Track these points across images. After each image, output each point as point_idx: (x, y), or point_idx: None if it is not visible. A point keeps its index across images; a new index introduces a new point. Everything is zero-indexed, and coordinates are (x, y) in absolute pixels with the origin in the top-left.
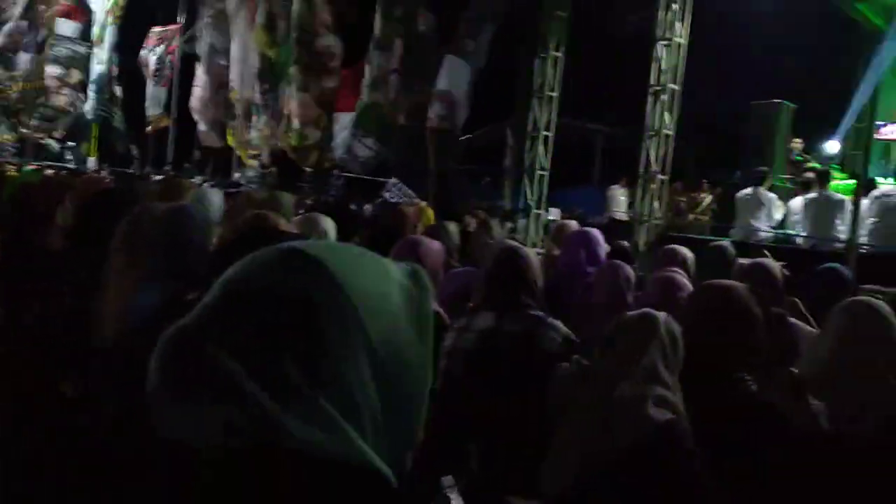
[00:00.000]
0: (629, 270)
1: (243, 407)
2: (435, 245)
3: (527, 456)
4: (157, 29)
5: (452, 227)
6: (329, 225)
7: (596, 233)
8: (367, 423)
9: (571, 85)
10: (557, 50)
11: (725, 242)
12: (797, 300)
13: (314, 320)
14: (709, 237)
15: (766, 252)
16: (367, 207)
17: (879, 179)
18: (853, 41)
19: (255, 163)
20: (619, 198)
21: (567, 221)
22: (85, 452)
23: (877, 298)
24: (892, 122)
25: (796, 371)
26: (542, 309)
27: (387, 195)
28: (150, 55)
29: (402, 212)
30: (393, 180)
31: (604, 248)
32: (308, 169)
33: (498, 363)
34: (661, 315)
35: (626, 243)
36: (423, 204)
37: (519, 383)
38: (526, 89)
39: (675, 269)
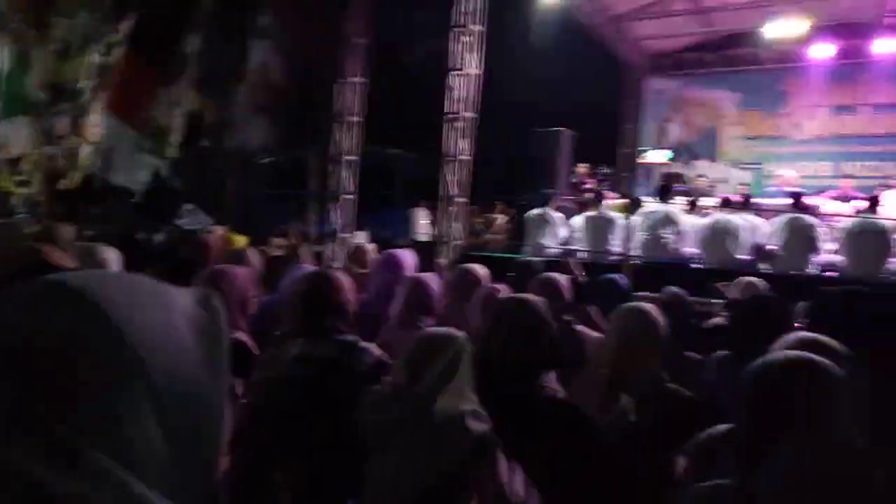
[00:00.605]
0: (432, 287)
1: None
2: (240, 273)
3: (341, 484)
4: None
5: (253, 253)
6: (111, 256)
7: (404, 253)
8: (151, 468)
9: (375, 110)
10: (358, 76)
11: (533, 258)
12: (590, 308)
13: (78, 362)
14: (504, 255)
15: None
16: (158, 236)
17: (645, 199)
18: (623, 76)
19: (23, 190)
20: (422, 220)
21: (364, 243)
22: None
23: (647, 303)
24: (654, 148)
25: (602, 372)
26: (354, 332)
27: (181, 222)
28: None
29: (203, 241)
30: (188, 206)
31: (412, 268)
32: (77, 191)
33: (309, 390)
34: (462, 334)
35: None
36: (225, 229)
37: (332, 409)
38: (329, 114)
39: (497, 284)
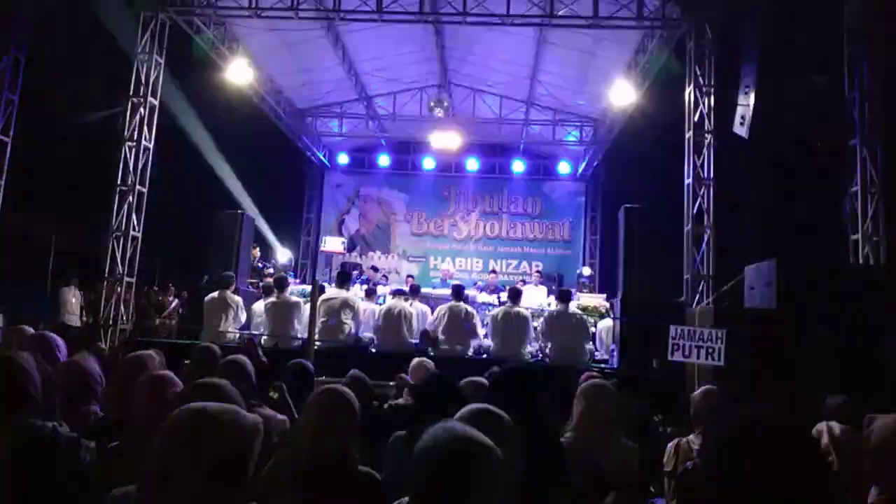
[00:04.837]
0: (95, 367)
1: None
2: None
3: None
4: None
5: None
6: None
7: (54, 336)
8: None
9: (27, 175)
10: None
11: (211, 345)
12: (282, 385)
13: None
14: (177, 340)
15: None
16: None
17: (325, 284)
18: (306, 167)
19: None
20: (73, 301)
21: (21, 327)
22: None
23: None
24: (331, 236)
25: (295, 453)
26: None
27: None
28: None
29: None
30: None
31: (63, 352)
32: None
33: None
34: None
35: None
36: None
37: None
38: None
39: (164, 371)
